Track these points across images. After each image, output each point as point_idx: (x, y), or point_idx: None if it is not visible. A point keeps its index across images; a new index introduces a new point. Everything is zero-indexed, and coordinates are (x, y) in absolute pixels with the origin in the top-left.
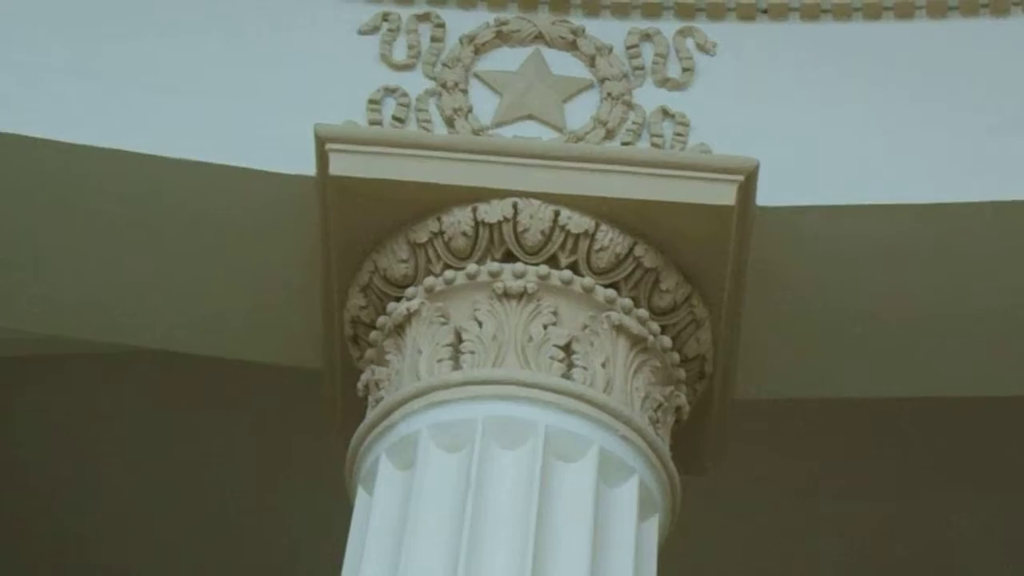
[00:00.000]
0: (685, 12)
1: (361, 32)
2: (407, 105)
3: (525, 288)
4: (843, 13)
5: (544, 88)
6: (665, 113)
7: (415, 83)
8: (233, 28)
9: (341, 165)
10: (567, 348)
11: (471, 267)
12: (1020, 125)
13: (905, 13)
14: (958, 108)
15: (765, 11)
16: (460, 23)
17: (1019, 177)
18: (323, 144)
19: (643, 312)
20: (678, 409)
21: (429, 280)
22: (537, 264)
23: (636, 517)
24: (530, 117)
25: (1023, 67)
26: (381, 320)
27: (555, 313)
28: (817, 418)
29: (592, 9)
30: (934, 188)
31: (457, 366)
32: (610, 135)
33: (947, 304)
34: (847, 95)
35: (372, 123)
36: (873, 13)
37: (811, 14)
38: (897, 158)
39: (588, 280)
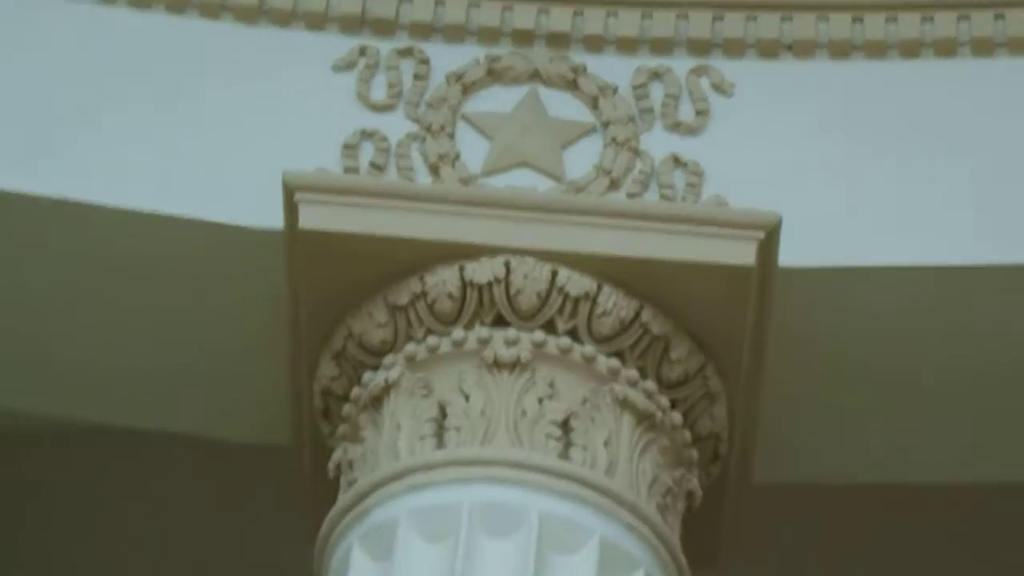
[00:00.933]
0: (699, 48)
1: (335, 68)
2: (387, 150)
3: (518, 357)
4: (877, 50)
5: (540, 132)
6: (676, 161)
7: (396, 126)
8: (192, 66)
9: (312, 217)
10: (565, 425)
11: (457, 333)
12: None
13: (947, 50)
14: (1001, 162)
15: (790, 47)
16: (446, 59)
17: None
18: (292, 194)
19: (651, 385)
20: (689, 494)
21: (410, 347)
22: (532, 330)
23: None
24: (525, 165)
25: None
26: (356, 392)
27: (551, 385)
28: (844, 504)
29: (595, 44)
30: (984, 248)
31: (441, 444)
32: (614, 185)
33: (988, 379)
34: (880, 143)
35: (347, 170)
36: (910, 50)
37: (841, 51)
38: (936, 214)
39: (589, 348)
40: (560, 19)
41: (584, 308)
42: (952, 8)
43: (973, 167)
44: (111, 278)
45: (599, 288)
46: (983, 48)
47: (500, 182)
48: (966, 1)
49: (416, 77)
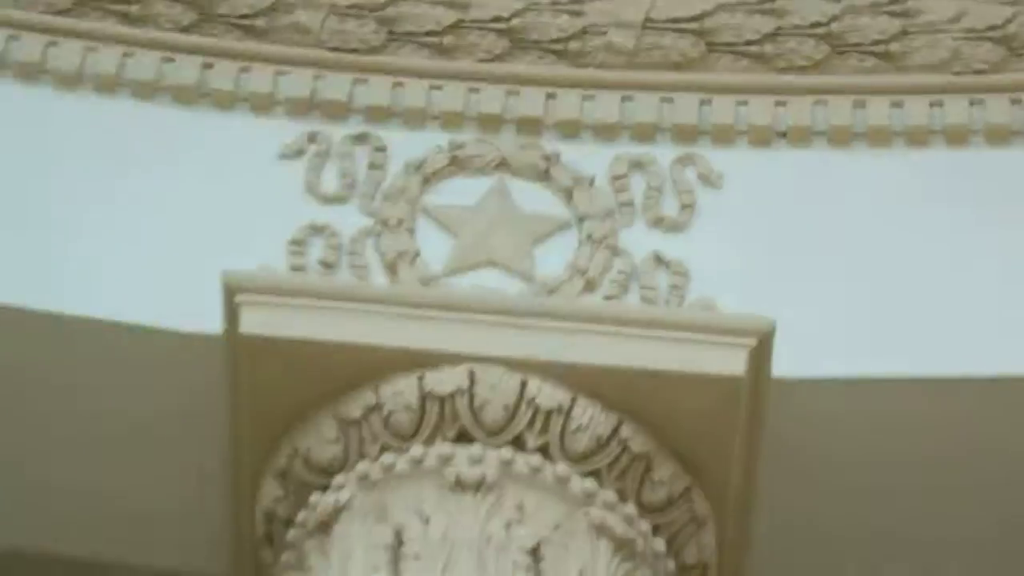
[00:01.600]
0: (685, 135)
1: (283, 156)
2: (338, 247)
3: (483, 477)
4: (881, 138)
5: (509, 228)
6: (659, 260)
7: (348, 219)
8: (125, 152)
9: (254, 321)
10: (535, 552)
11: (416, 450)
12: None
13: (958, 139)
14: (1009, 266)
15: (784, 135)
16: (405, 146)
17: None
18: (232, 295)
19: (630, 508)
20: None
21: (363, 466)
22: (499, 447)
23: None
24: (491, 264)
25: None
26: (302, 515)
27: (520, 508)
28: None
29: (570, 130)
30: (991, 359)
31: (397, 574)
32: (590, 287)
33: (993, 498)
34: (884, 240)
35: (294, 269)
36: (919, 139)
37: (841, 139)
38: (941, 321)
39: (562, 468)
40: (531, 102)
41: (557, 423)
42: (965, 92)
43: (981, 270)
44: (34, 388)
45: (573, 401)
46: (999, 136)
47: (464, 283)
48: (979, 85)
49: (371, 166)
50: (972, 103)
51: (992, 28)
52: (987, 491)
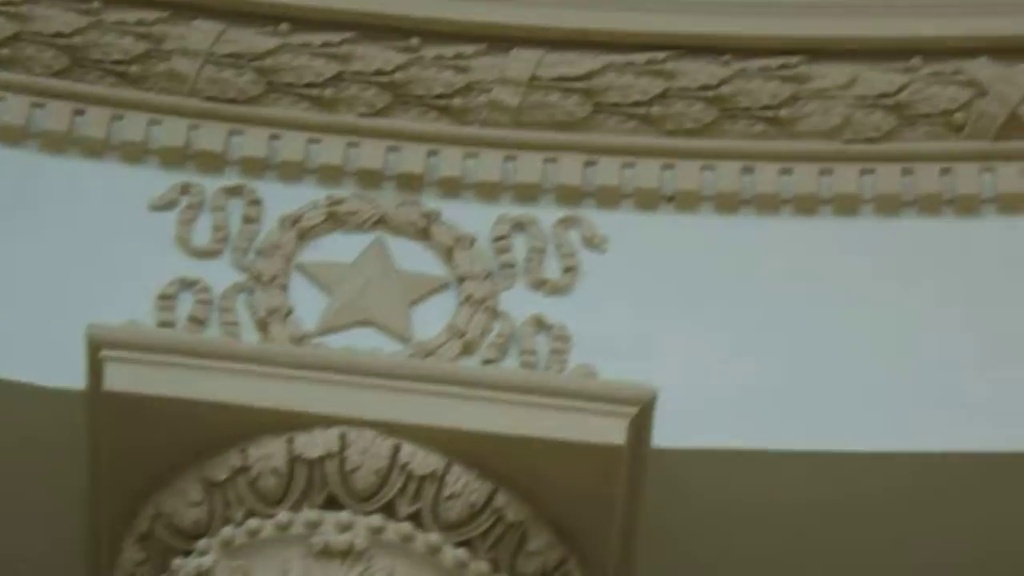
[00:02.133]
0: (569, 197)
1: (153, 207)
2: (209, 303)
3: (352, 544)
4: (769, 205)
5: (386, 287)
6: (540, 324)
7: (221, 275)
8: None
9: (119, 378)
10: None
11: (283, 515)
12: (966, 369)
13: (848, 207)
14: (902, 336)
15: (671, 199)
16: (281, 200)
17: (944, 428)
18: (97, 350)
19: None
20: None
21: (227, 531)
22: (369, 514)
23: None
24: (367, 323)
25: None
26: None
27: None
28: None
29: (451, 188)
30: (883, 434)
31: None
32: (468, 350)
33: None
34: (772, 308)
35: (162, 324)
36: (808, 206)
37: (728, 205)
38: (832, 393)
39: (434, 536)
40: (412, 158)
41: (429, 490)
42: (855, 160)
43: (873, 342)
44: None
45: (447, 467)
46: (889, 206)
47: (338, 342)
48: (869, 154)
49: (246, 220)
50: (863, 172)
51: (884, 96)
52: (868, 563)
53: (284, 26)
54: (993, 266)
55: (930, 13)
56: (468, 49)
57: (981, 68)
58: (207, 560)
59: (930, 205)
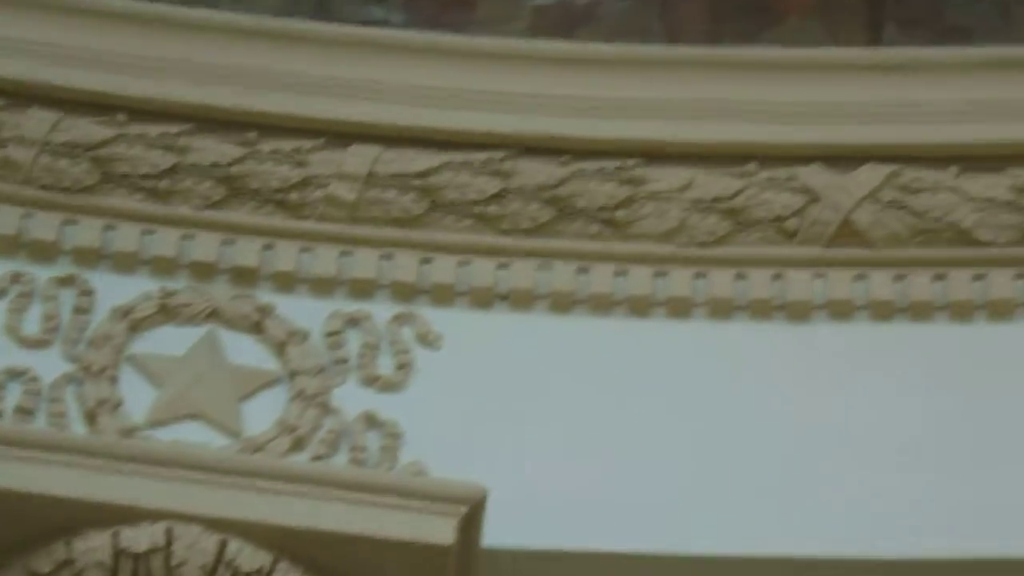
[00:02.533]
0: (403, 293)
1: None
2: (37, 393)
3: None
4: (603, 305)
5: (217, 381)
6: (371, 421)
7: (49, 365)
8: None
9: None
10: None
11: None
12: (797, 470)
13: (681, 310)
14: (737, 439)
15: (506, 297)
16: (113, 291)
17: (758, 530)
18: None
19: None
20: None
21: None
22: None
23: None
24: (196, 417)
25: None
26: None
27: None
28: None
29: (285, 283)
30: (709, 537)
31: None
32: (298, 446)
33: None
34: (607, 405)
35: None
36: (641, 308)
37: (562, 304)
38: (668, 494)
39: None
40: (246, 252)
41: None
42: (689, 263)
43: (704, 443)
44: None
45: (275, 563)
46: (721, 309)
47: (167, 435)
48: (703, 257)
49: (77, 310)
50: (696, 275)
51: (719, 200)
52: None
53: (121, 116)
54: (823, 371)
55: (765, 119)
56: (306, 144)
57: (814, 175)
58: None
59: (762, 309)
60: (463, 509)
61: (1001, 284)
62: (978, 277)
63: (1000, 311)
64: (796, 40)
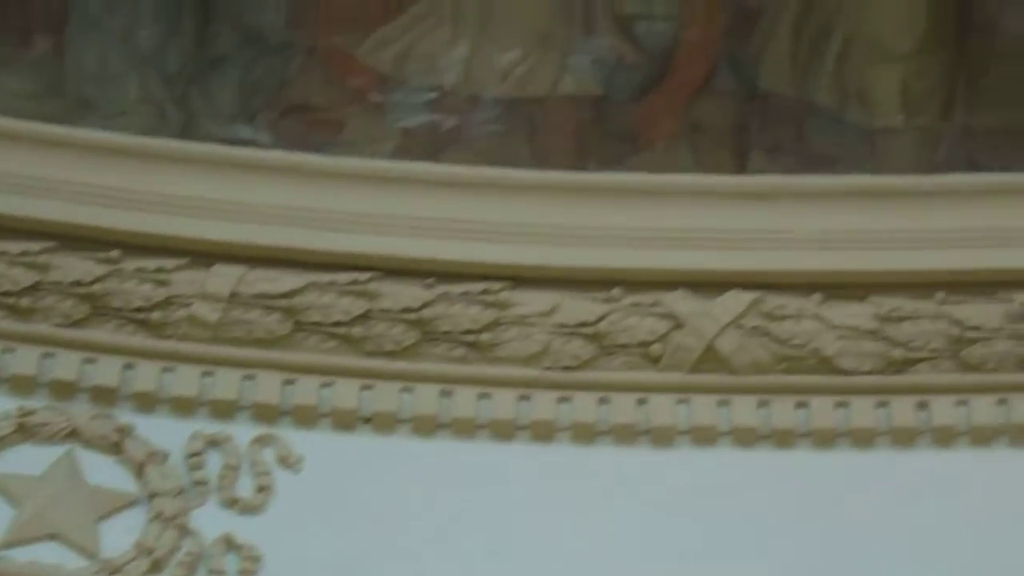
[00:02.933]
0: (265, 415)
1: None
2: None
3: None
4: (466, 429)
5: (75, 501)
6: (230, 543)
7: None
8: None
9: None
10: None
11: None
12: None
13: (544, 434)
14: (606, 564)
15: (369, 420)
16: None
17: None
18: None
19: None
20: None
21: None
22: None
23: None
24: (54, 538)
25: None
26: None
27: None
28: None
29: (145, 403)
30: None
31: None
32: (156, 568)
33: None
34: (469, 529)
35: None
36: (505, 432)
37: (426, 428)
38: None
39: None
40: (107, 371)
41: None
42: (553, 387)
43: (569, 567)
44: None
45: None
46: (585, 434)
47: (23, 556)
48: (567, 382)
49: None
50: (560, 399)
51: (583, 324)
52: None
53: None
54: (684, 497)
55: (631, 245)
56: (169, 263)
57: (679, 301)
58: None
59: (626, 435)
60: None
61: (863, 413)
62: (840, 405)
63: (862, 440)
64: (662, 166)
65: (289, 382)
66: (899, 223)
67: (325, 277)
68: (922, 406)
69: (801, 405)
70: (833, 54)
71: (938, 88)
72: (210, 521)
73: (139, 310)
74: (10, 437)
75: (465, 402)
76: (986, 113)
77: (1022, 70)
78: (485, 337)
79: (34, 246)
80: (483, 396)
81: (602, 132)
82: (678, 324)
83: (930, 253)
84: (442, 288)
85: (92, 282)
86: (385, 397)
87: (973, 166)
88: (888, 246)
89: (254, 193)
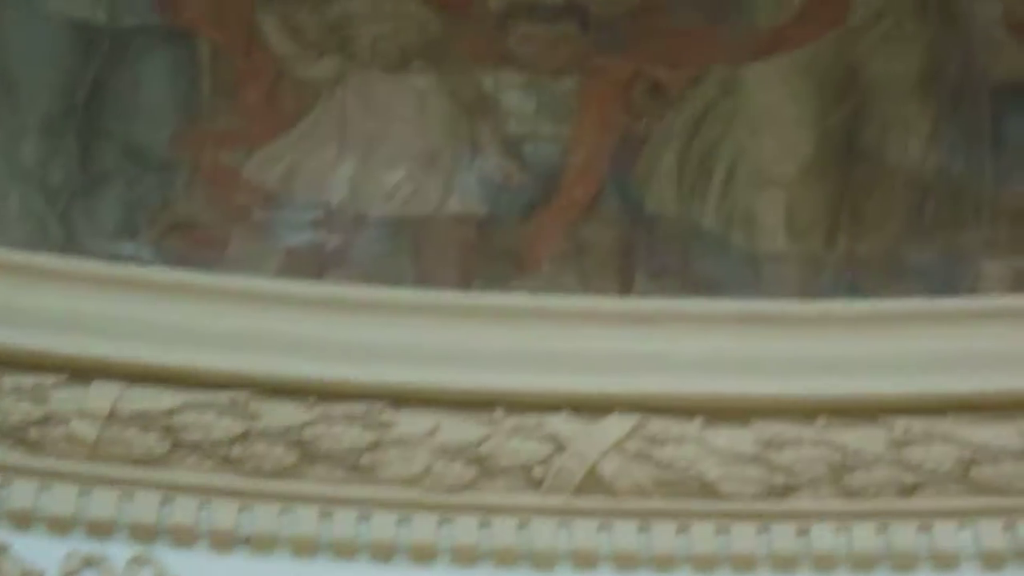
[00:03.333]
0: (142, 534)
1: None
2: None
3: None
4: (346, 551)
5: None
6: None
7: None
8: None
9: None
10: None
11: None
12: None
13: (423, 556)
14: None
15: (247, 541)
16: None
17: None
18: None
19: None
20: None
21: None
22: None
23: None
24: None
25: None
26: None
27: None
28: None
29: (22, 521)
30: None
31: None
32: None
33: None
34: None
35: None
36: (383, 553)
37: (306, 549)
38: None
39: None
40: None
41: None
42: (434, 509)
43: None
44: None
45: None
46: (466, 557)
47: None
48: (448, 504)
49: None
50: (441, 522)
51: (465, 446)
52: None
53: None
54: None
55: (515, 366)
56: (48, 379)
57: (562, 423)
58: None
59: (507, 557)
60: None
61: (744, 538)
62: (721, 530)
63: (742, 565)
64: (548, 287)
65: (167, 501)
66: (782, 348)
67: (205, 396)
68: (802, 532)
69: (682, 530)
70: (719, 179)
71: (822, 214)
72: None
73: (16, 427)
74: None
75: (345, 523)
76: (868, 240)
77: (902, 198)
78: (366, 458)
79: None
80: (363, 518)
81: (488, 252)
82: (560, 447)
83: (812, 379)
84: (323, 408)
85: None
86: (264, 518)
87: (855, 292)
88: (770, 371)
89: (135, 310)
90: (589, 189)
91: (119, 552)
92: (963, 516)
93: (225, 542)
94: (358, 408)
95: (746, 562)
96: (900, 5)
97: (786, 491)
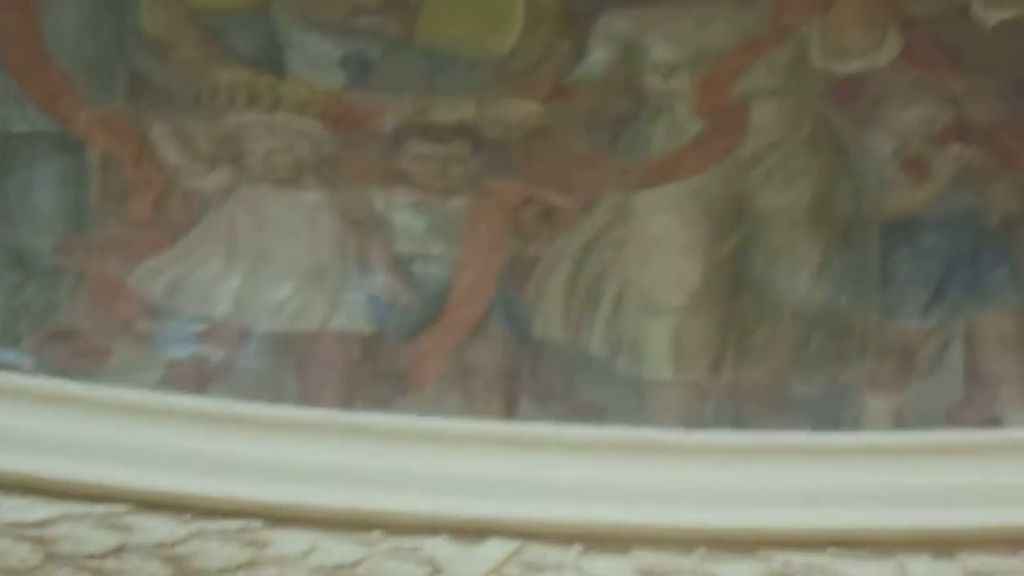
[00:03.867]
0: None
1: None
2: None
3: None
4: None
5: None
6: None
7: None
8: None
9: None
10: None
11: None
12: None
13: None
14: None
15: None
16: None
17: None
18: None
19: None
20: None
21: None
22: None
23: None
24: None
25: None
26: None
27: None
28: None
29: None
30: None
31: None
32: None
33: None
34: None
35: None
36: None
37: None
38: None
39: None
40: None
41: None
42: None
43: None
44: None
45: None
46: None
47: None
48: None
49: None
50: None
51: (340, 567)
52: None
53: None
54: None
55: (394, 487)
56: None
57: (439, 547)
58: None
59: None
60: None
61: None
62: None
63: None
64: (431, 409)
65: None
66: (664, 477)
67: (79, 508)
68: None
69: None
70: (608, 304)
71: (708, 343)
72: None
73: None
74: None
75: None
76: (753, 371)
77: (789, 330)
78: None
79: None
80: None
81: (372, 372)
82: (437, 570)
83: (692, 509)
84: (198, 524)
85: None
86: None
87: (739, 423)
88: (651, 500)
89: (12, 419)
90: (476, 310)
91: None
92: None
93: None
94: (234, 525)
95: None
96: (793, 138)
97: None
